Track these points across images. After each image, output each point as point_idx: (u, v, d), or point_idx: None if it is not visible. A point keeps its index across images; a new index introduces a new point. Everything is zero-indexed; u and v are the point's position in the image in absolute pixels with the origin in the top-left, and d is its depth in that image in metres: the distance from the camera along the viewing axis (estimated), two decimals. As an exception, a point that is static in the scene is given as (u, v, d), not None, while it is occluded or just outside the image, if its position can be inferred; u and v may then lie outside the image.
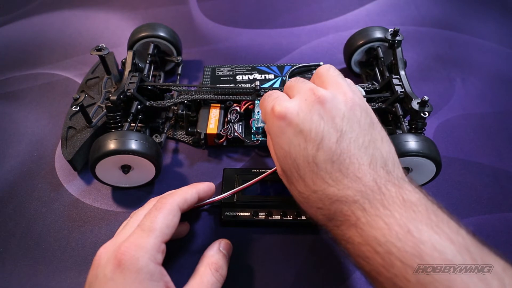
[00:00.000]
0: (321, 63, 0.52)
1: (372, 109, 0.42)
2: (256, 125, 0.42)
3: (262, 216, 0.36)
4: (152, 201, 0.32)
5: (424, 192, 0.26)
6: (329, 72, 0.31)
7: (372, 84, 0.46)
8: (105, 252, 0.27)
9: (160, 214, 0.28)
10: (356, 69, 0.52)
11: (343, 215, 0.25)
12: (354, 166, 0.26)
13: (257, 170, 0.39)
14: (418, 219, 0.23)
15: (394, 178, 0.26)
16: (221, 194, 0.36)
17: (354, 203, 0.25)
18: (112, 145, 0.35)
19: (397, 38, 0.45)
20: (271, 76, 0.50)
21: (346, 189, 0.25)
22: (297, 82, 0.31)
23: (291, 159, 0.27)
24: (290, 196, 0.32)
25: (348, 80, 0.32)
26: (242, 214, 0.36)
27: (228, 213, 0.36)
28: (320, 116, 0.27)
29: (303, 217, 0.36)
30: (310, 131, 0.27)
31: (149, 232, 0.27)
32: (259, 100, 0.43)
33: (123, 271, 0.25)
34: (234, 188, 0.37)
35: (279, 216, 0.36)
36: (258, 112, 0.42)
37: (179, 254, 0.35)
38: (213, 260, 0.31)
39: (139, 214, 0.31)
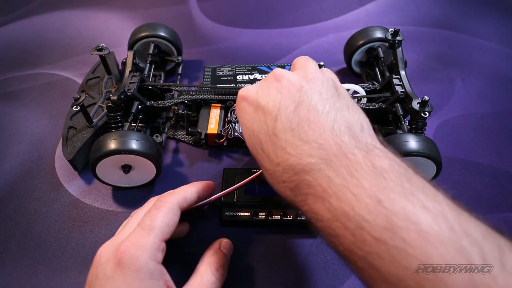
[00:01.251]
0: (322, 63, 0.52)
1: (373, 109, 0.43)
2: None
3: (262, 216, 0.36)
4: (152, 200, 0.32)
5: (398, 156, 0.24)
6: (300, 60, 0.32)
7: (373, 84, 0.46)
8: (105, 251, 0.27)
9: (160, 213, 0.28)
10: (356, 69, 0.52)
11: (307, 186, 0.24)
12: (314, 132, 0.25)
13: (257, 170, 0.39)
14: (390, 187, 0.21)
15: (362, 144, 0.24)
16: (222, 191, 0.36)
17: (318, 171, 0.23)
18: (112, 145, 0.35)
19: (398, 38, 0.45)
20: (271, 76, 0.50)
21: (308, 157, 0.24)
22: (296, 62, 0.32)
23: (254, 136, 0.27)
24: None
25: (324, 69, 0.32)
26: (242, 214, 0.37)
27: (228, 213, 0.37)
28: (277, 90, 0.28)
29: (303, 217, 0.36)
30: (267, 104, 0.27)
31: (149, 230, 0.27)
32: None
33: (123, 269, 0.25)
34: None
35: (279, 216, 0.36)
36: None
37: (180, 254, 0.35)
38: (214, 260, 0.31)
39: (139, 214, 0.31)
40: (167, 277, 0.27)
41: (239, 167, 0.42)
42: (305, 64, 0.30)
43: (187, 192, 0.32)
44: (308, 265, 0.35)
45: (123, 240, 0.27)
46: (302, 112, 0.26)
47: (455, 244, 0.19)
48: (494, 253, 0.18)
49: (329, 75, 0.30)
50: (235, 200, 0.37)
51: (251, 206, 0.37)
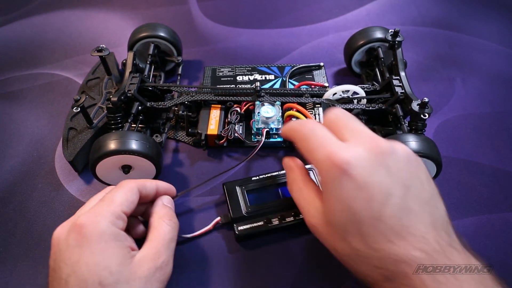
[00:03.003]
0: (321, 63, 0.52)
1: (372, 110, 0.43)
2: (256, 126, 0.42)
3: (275, 221, 0.35)
4: (108, 188, 0.33)
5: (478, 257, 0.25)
6: (357, 128, 0.29)
7: (373, 85, 0.46)
8: (62, 229, 0.28)
9: (120, 190, 0.30)
10: (356, 69, 0.52)
11: (405, 278, 0.23)
12: (418, 224, 0.24)
13: (257, 177, 0.38)
14: None
15: (455, 242, 0.25)
16: (229, 210, 0.36)
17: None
18: (112, 145, 0.35)
19: (398, 39, 0.45)
20: (272, 77, 0.50)
21: (412, 250, 0.23)
22: (347, 121, 0.28)
23: (350, 213, 0.25)
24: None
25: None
26: (255, 224, 0.35)
27: (242, 227, 0.35)
28: (386, 170, 0.25)
29: None
30: (375, 187, 0.25)
31: (108, 202, 0.29)
32: (260, 101, 0.43)
33: (85, 236, 0.26)
34: (240, 202, 0.36)
35: (292, 218, 0.35)
36: (259, 113, 0.42)
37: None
38: (163, 213, 0.32)
39: (95, 197, 0.32)
40: (131, 241, 0.29)
41: (238, 178, 0.39)
42: (374, 136, 0.27)
43: (147, 181, 0.33)
44: (308, 265, 0.35)
45: (80, 214, 0.28)
46: (410, 201, 0.25)
47: None
48: None
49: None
50: (244, 213, 0.36)
51: (262, 214, 0.36)
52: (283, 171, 0.38)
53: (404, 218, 0.24)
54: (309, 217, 0.29)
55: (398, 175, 0.25)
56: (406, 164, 0.26)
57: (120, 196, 0.30)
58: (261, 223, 0.35)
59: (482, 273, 0.23)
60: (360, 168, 0.25)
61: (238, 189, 0.37)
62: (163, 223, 0.31)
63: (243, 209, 0.36)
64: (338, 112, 0.29)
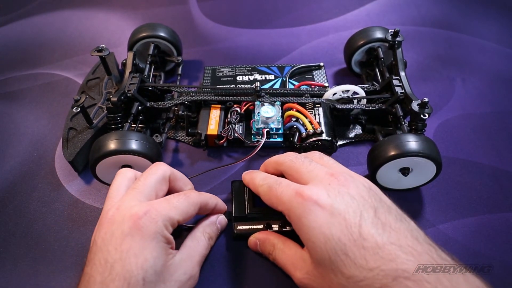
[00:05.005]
0: (321, 63, 0.52)
1: (372, 110, 0.43)
2: (256, 126, 0.42)
3: (275, 227, 0.35)
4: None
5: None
6: (324, 158, 0.33)
7: (373, 85, 0.46)
8: (117, 211, 0.28)
9: (186, 200, 0.30)
10: (356, 69, 0.52)
11: None
12: (401, 236, 0.25)
13: None
14: None
15: (443, 254, 0.25)
16: (232, 209, 0.36)
17: (419, 277, 0.23)
18: (112, 145, 0.35)
19: (398, 39, 0.45)
20: (272, 77, 0.50)
21: (406, 262, 0.24)
22: (302, 165, 0.31)
23: (334, 240, 0.25)
24: None
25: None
26: (255, 227, 0.35)
27: (241, 227, 0.35)
28: (350, 196, 0.27)
29: None
30: (346, 210, 0.26)
31: (171, 205, 0.29)
32: (260, 101, 0.43)
33: (141, 229, 0.27)
34: (245, 201, 0.36)
35: (291, 227, 0.33)
36: (259, 113, 0.42)
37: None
38: (209, 230, 0.33)
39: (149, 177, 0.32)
40: (173, 241, 0.29)
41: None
42: (337, 165, 0.32)
43: (211, 199, 0.34)
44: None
45: (140, 204, 0.28)
46: (382, 217, 0.26)
47: None
48: None
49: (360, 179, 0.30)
50: (246, 213, 0.35)
51: (263, 218, 0.35)
52: None
53: (385, 234, 0.25)
54: (298, 272, 0.29)
55: (363, 200, 0.27)
56: (367, 192, 0.28)
57: (183, 206, 0.30)
58: (261, 226, 0.35)
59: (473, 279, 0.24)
60: (328, 198, 0.27)
61: (245, 189, 0.37)
62: (203, 238, 0.32)
63: (247, 210, 0.36)
64: (287, 160, 0.32)
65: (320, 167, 0.31)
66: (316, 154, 0.34)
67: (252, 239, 0.34)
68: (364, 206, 0.27)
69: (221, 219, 0.35)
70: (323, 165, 0.31)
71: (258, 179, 0.33)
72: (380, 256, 0.24)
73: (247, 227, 0.35)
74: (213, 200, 0.34)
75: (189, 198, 0.31)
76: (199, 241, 0.32)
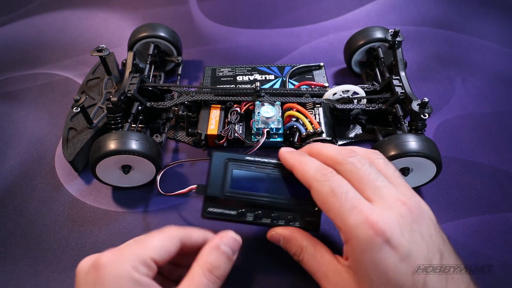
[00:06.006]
0: (321, 63, 0.52)
1: (372, 110, 0.43)
2: (256, 126, 0.42)
3: (250, 217, 0.31)
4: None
5: None
6: (389, 169, 0.28)
7: (373, 85, 0.46)
8: (86, 262, 0.26)
9: (157, 236, 0.27)
10: (356, 69, 0.52)
11: None
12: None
13: (253, 158, 0.32)
14: None
15: None
16: (206, 184, 0.31)
17: None
18: (112, 145, 0.35)
19: (398, 39, 0.45)
20: (272, 77, 0.50)
21: None
22: (368, 176, 0.26)
23: (394, 286, 0.23)
24: (289, 198, 0.31)
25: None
26: (226, 212, 0.31)
27: (211, 209, 0.31)
28: (421, 236, 0.24)
29: (297, 224, 0.31)
30: (417, 256, 0.23)
31: (139, 245, 0.26)
32: (260, 101, 0.43)
33: (101, 276, 0.24)
34: (222, 180, 0.31)
35: (269, 220, 0.31)
36: (259, 113, 0.42)
37: None
38: (208, 259, 0.27)
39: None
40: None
41: (231, 152, 0.33)
42: (404, 183, 0.27)
43: (194, 231, 0.29)
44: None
45: (106, 252, 0.26)
46: (445, 263, 0.24)
47: None
48: None
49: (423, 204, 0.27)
50: (220, 195, 0.31)
51: (239, 204, 0.31)
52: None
53: (448, 286, 0.23)
54: (331, 285, 0.26)
55: (431, 241, 0.24)
56: (434, 229, 0.25)
57: (155, 241, 0.26)
58: (233, 212, 0.31)
59: None
60: (402, 238, 0.23)
61: (225, 164, 0.32)
62: (201, 272, 0.26)
63: (222, 190, 0.31)
64: (349, 162, 0.27)
65: (389, 186, 0.26)
66: (381, 162, 0.28)
67: (274, 234, 0.30)
68: (432, 250, 0.24)
69: (228, 238, 0.28)
70: (389, 180, 0.27)
71: (313, 169, 0.28)
72: None
73: (218, 210, 0.31)
74: (198, 232, 0.29)
75: (162, 233, 0.27)
76: (194, 277, 0.26)
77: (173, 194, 0.35)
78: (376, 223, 0.23)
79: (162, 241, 0.26)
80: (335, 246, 0.36)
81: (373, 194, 0.26)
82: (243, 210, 0.31)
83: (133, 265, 0.24)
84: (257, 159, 0.32)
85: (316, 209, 0.31)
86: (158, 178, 0.38)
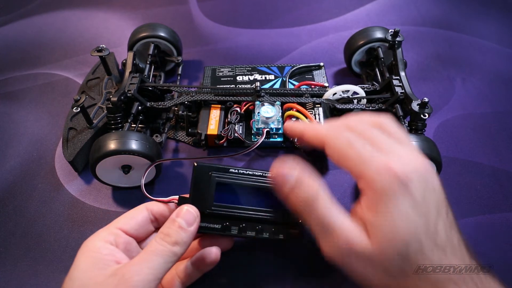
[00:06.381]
0: (321, 63, 0.52)
1: (372, 110, 0.43)
2: (256, 126, 0.42)
3: (234, 230, 0.31)
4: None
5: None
6: (401, 134, 0.28)
7: (373, 85, 0.46)
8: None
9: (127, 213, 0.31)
10: (356, 69, 0.52)
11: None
12: (456, 240, 0.25)
13: (236, 170, 0.32)
14: None
15: (477, 264, 0.25)
16: (190, 199, 0.31)
17: (464, 282, 0.23)
18: (112, 145, 0.35)
19: (398, 39, 0.45)
20: (272, 77, 0.50)
21: (454, 261, 0.24)
22: (376, 136, 0.27)
23: (412, 228, 0.24)
24: (272, 211, 0.31)
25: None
26: (210, 225, 0.31)
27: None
28: (432, 189, 0.25)
29: (281, 236, 0.32)
30: (430, 204, 0.24)
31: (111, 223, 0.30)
32: (260, 101, 0.43)
33: (79, 250, 0.27)
34: (205, 194, 0.31)
35: (254, 233, 0.31)
36: (259, 113, 0.42)
37: None
38: (163, 230, 0.28)
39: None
40: (119, 255, 0.28)
41: (214, 163, 0.32)
42: (414, 146, 0.27)
43: (158, 203, 0.31)
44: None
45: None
46: (450, 214, 0.25)
47: None
48: None
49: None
50: (204, 210, 0.30)
51: (223, 218, 0.31)
52: (269, 172, 0.31)
53: (450, 233, 0.24)
54: (348, 241, 0.25)
55: (439, 192, 0.25)
56: (438, 183, 0.26)
57: (123, 214, 0.30)
58: (217, 226, 0.31)
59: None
60: (418, 184, 0.24)
61: (209, 176, 0.31)
62: (154, 241, 0.27)
63: (205, 206, 0.30)
64: (368, 129, 0.27)
65: (400, 146, 0.26)
66: (390, 126, 0.28)
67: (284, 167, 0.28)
68: (442, 200, 0.25)
69: (185, 212, 0.28)
70: (400, 143, 0.27)
71: (325, 128, 0.29)
72: (443, 252, 0.24)
73: (203, 224, 0.30)
74: (161, 204, 0.31)
75: (135, 208, 0.31)
76: (150, 245, 0.27)
77: (156, 200, 0.32)
78: (397, 167, 0.24)
79: (128, 212, 0.30)
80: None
81: (387, 152, 0.26)
82: (227, 223, 0.31)
83: (101, 237, 0.28)
84: (241, 171, 0.32)
85: (300, 221, 0.31)
86: (143, 179, 0.33)
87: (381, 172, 0.24)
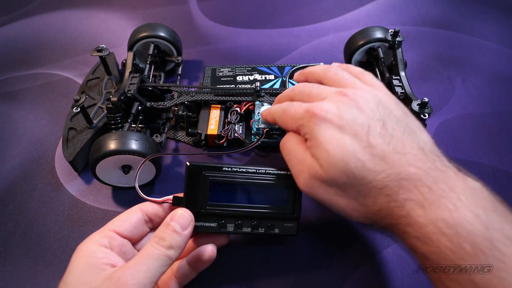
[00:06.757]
0: (321, 63, 0.52)
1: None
2: (256, 126, 0.42)
3: (230, 227, 0.32)
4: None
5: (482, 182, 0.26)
6: (340, 75, 0.32)
7: (372, 84, 0.46)
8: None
9: (121, 215, 0.31)
10: (356, 69, 0.52)
11: (407, 193, 0.25)
12: (406, 147, 0.26)
13: (229, 168, 0.32)
14: (486, 206, 0.23)
15: (448, 164, 0.26)
16: (184, 199, 0.31)
17: (419, 180, 0.25)
18: (112, 145, 0.35)
19: (398, 39, 0.45)
20: (272, 77, 0.50)
21: (408, 166, 0.26)
22: (311, 88, 0.32)
23: (346, 145, 0.27)
24: (267, 206, 0.31)
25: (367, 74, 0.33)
26: (206, 225, 0.31)
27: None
28: (358, 109, 0.28)
29: (276, 230, 0.32)
30: (354, 122, 0.27)
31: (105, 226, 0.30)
32: (260, 101, 0.43)
33: (74, 255, 0.28)
34: (199, 194, 0.31)
35: (249, 229, 0.32)
36: (259, 113, 0.42)
37: None
38: (157, 234, 0.28)
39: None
40: (114, 258, 0.28)
41: (208, 163, 0.33)
42: (353, 82, 0.31)
43: (153, 204, 0.31)
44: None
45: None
46: (390, 129, 0.27)
47: None
48: None
49: (384, 89, 0.31)
50: (199, 210, 0.31)
51: (219, 216, 0.31)
52: (262, 168, 0.32)
53: (391, 143, 0.27)
54: (310, 173, 0.29)
55: (371, 113, 0.28)
56: (377, 106, 0.29)
57: (117, 217, 0.30)
58: (214, 225, 0.31)
59: (478, 187, 0.25)
60: (335, 111, 0.28)
61: (203, 176, 0.31)
62: (149, 245, 0.27)
63: (200, 205, 0.31)
64: (298, 86, 0.33)
65: (329, 88, 0.31)
66: (357, 69, 0.33)
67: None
68: (372, 119, 0.28)
69: (179, 216, 0.29)
70: (361, 79, 0.32)
71: (273, 108, 0.34)
72: (385, 162, 0.26)
73: (199, 224, 0.31)
74: (155, 205, 0.31)
75: (129, 209, 0.31)
76: (144, 249, 0.27)
77: (150, 200, 0.31)
78: (312, 108, 0.29)
79: (122, 214, 0.30)
80: (336, 240, 0.36)
81: (317, 98, 0.30)
82: (223, 221, 0.31)
83: (95, 240, 0.28)
84: (234, 168, 0.32)
85: (295, 215, 0.32)
86: (136, 177, 0.32)
87: (305, 118, 0.29)
